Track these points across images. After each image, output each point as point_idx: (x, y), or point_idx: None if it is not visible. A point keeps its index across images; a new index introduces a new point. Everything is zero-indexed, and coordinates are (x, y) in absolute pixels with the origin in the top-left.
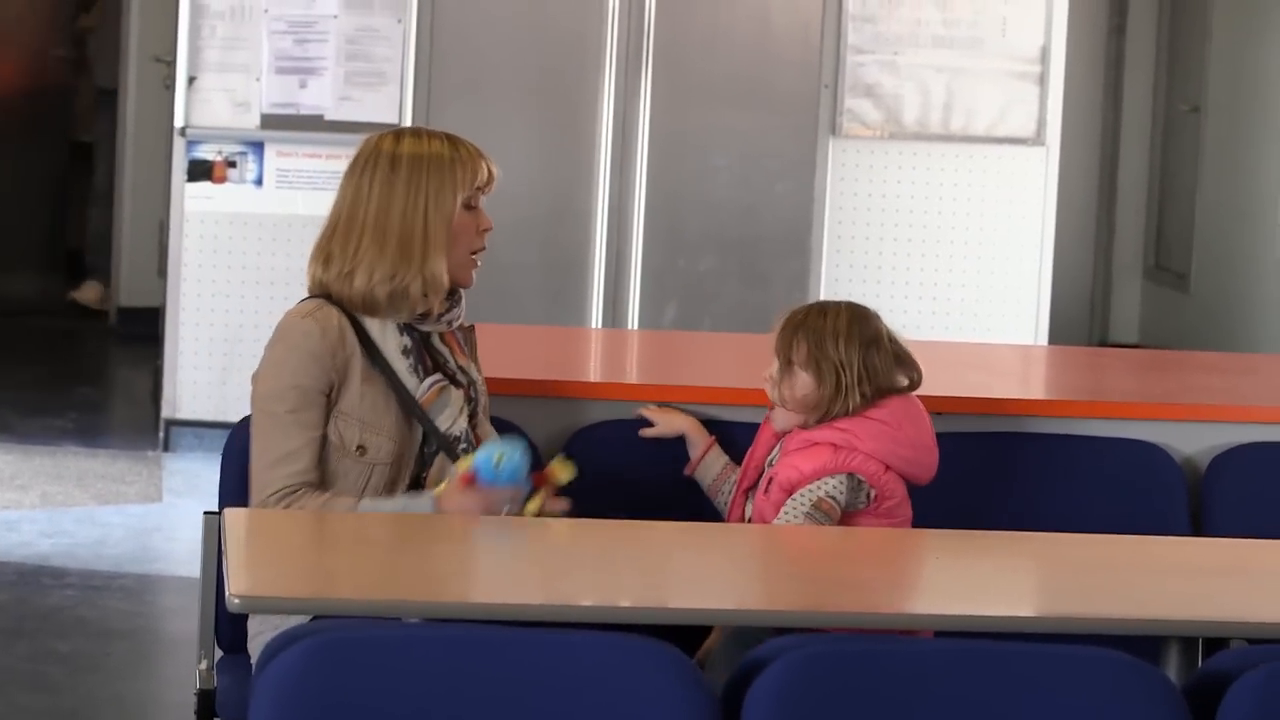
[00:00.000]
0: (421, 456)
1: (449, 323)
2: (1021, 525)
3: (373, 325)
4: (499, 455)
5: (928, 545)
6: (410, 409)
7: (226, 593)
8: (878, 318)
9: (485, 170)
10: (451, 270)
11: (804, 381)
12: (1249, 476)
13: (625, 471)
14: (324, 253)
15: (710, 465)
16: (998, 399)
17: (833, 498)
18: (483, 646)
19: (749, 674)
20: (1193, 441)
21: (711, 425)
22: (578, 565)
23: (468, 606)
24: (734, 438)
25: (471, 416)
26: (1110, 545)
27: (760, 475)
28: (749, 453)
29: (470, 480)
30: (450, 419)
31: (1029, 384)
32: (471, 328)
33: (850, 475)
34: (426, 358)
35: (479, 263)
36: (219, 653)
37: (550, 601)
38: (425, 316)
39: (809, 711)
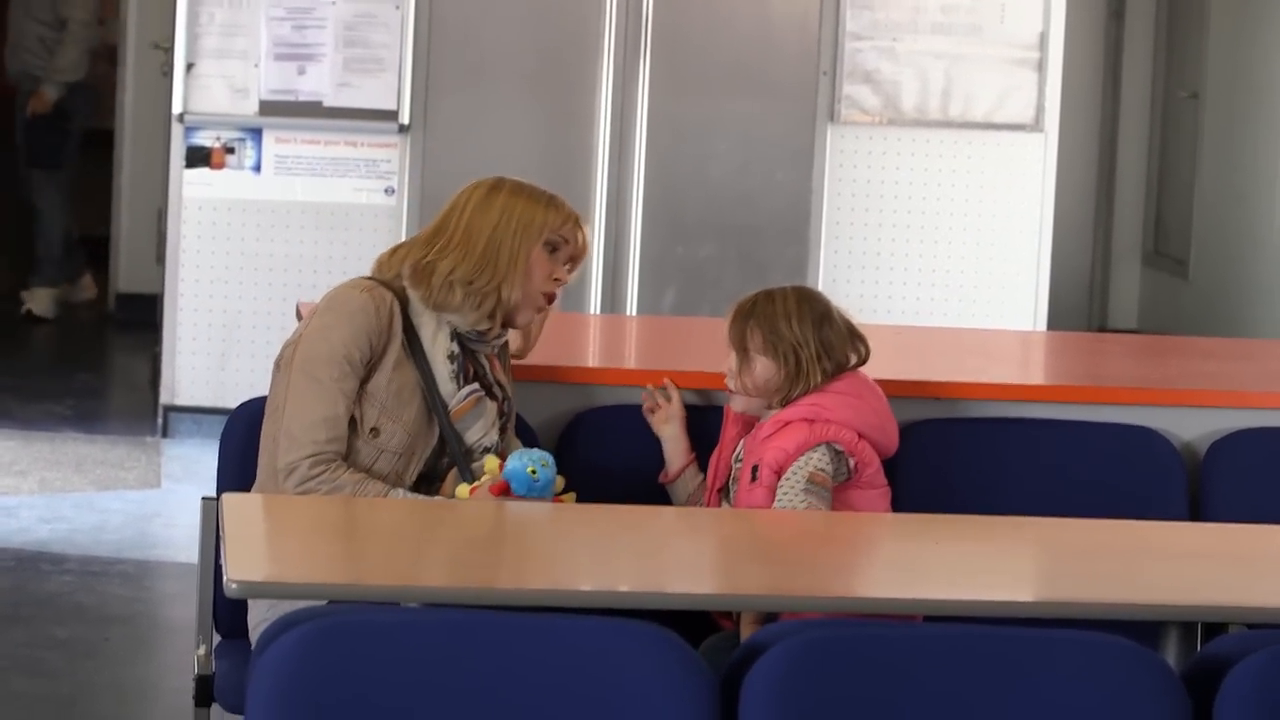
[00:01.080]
0: (434, 459)
1: (495, 347)
2: (1019, 510)
3: (426, 323)
4: (532, 468)
5: (925, 530)
6: (435, 410)
7: (224, 578)
8: (824, 296)
9: (575, 228)
10: (517, 301)
11: (764, 366)
12: (1248, 462)
13: (624, 457)
14: (407, 246)
15: (689, 479)
16: (997, 384)
17: (822, 469)
18: (481, 631)
19: (747, 659)
20: (1191, 427)
21: (711, 411)
22: (576, 550)
23: (466, 591)
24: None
25: (502, 430)
26: (1109, 530)
27: (729, 474)
28: (715, 455)
29: (503, 489)
30: (482, 430)
31: (1028, 370)
32: (506, 343)
33: (829, 446)
34: (469, 367)
35: (543, 312)
36: (217, 638)
37: (549, 586)
38: (483, 335)
39: (807, 696)
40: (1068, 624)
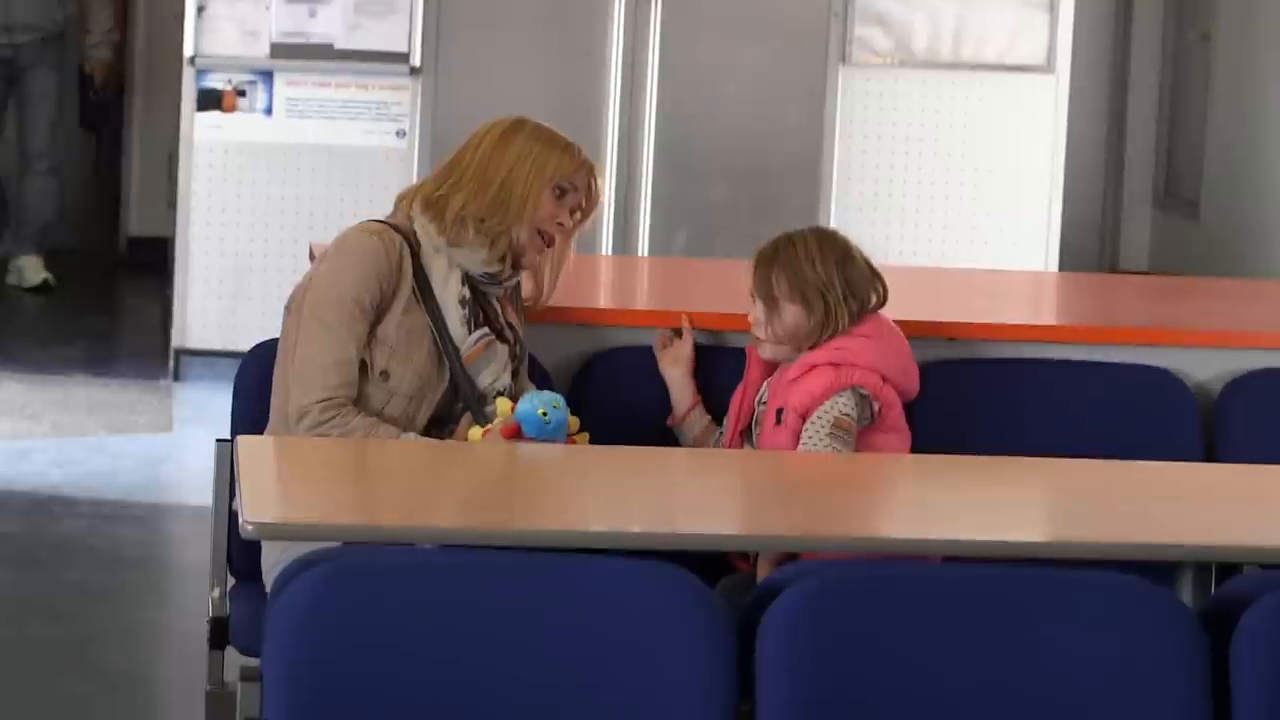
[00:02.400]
0: (446, 403)
1: (506, 288)
2: (1033, 451)
3: (437, 267)
4: (543, 410)
5: (939, 470)
6: (446, 353)
7: (240, 519)
8: (842, 234)
9: (587, 176)
10: (524, 242)
11: (792, 312)
12: (1262, 402)
13: (637, 398)
14: (434, 180)
15: (695, 421)
16: (1009, 325)
17: (847, 414)
18: (498, 572)
19: (764, 599)
20: (1205, 367)
21: (724, 352)
22: (590, 491)
23: (481, 533)
24: (743, 363)
25: (515, 373)
26: (1123, 471)
27: (753, 415)
28: (738, 397)
29: (515, 432)
30: (494, 374)
31: (1040, 310)
32: (518, 285)
33: (854, 390)
34: (480, 311)
35: (543, 254)
36: (231, 580)
37: (563, 527)
38: (494, 277)
39: (824, 636)
40: (1083, 564)
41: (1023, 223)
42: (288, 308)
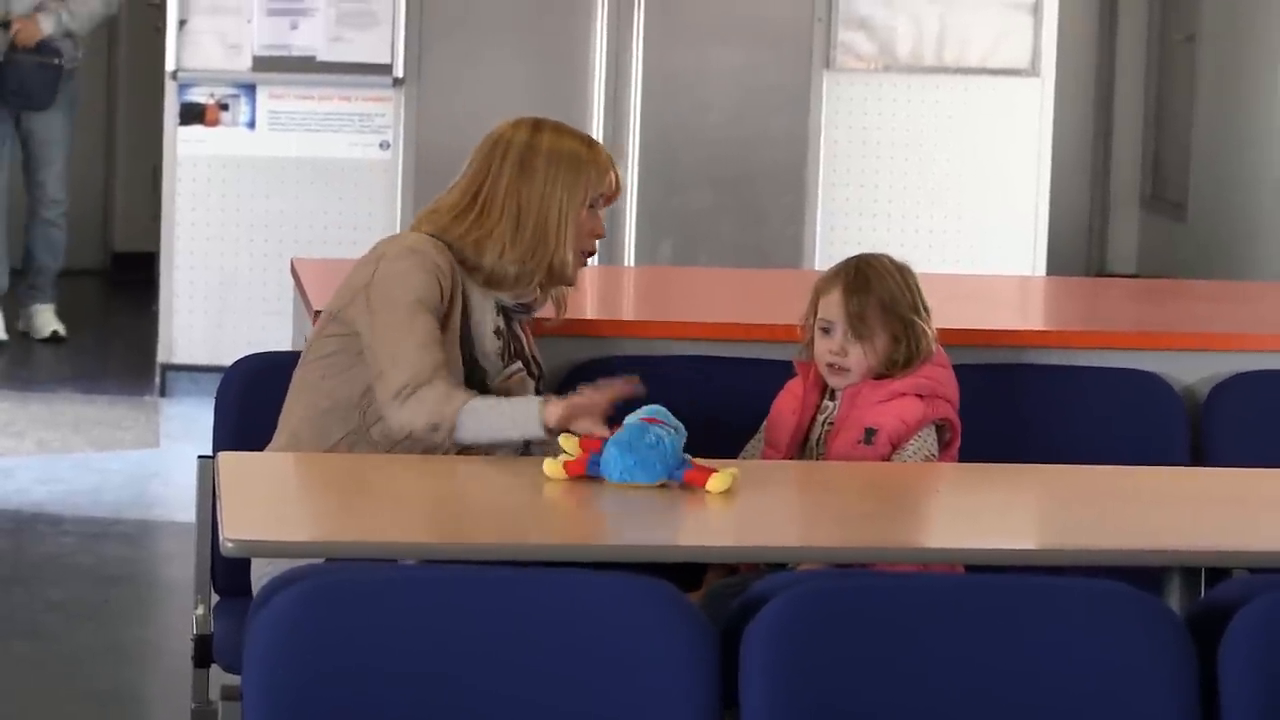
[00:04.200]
0: None
1: (535, 312)
2: (1020, 457)
3: (473, 296)
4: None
5: (927, 478)
6: (474, 382)
7: (220, 537)
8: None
9: (613, 179)
10: (570, 263)
11: (884, 341)
12: (1249, 405)
13: (623, 408)
14: (453, 214)
15: None
16: (996, 330)
17: (931, 454)
18: (480, 587)
19: (748, 610)
20: (1192, 371)
21: (708, 362)
22: (575, 504)
23: (464, 548)
24: (731, 373)
25: None
26: (1110, 476)
27: (808, 434)
28: (792, 416)
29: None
30: None
31: (1027, 315)
32: (534, 312)
33: (934, 425)
34: (511, 344)
35: (584, 264)
36: (215, 597)
37: (547, 541)
38: (528, 306)
39: (808, 647)
40: (1070, 571)
41: (1009, 227)
42: (332, 316)
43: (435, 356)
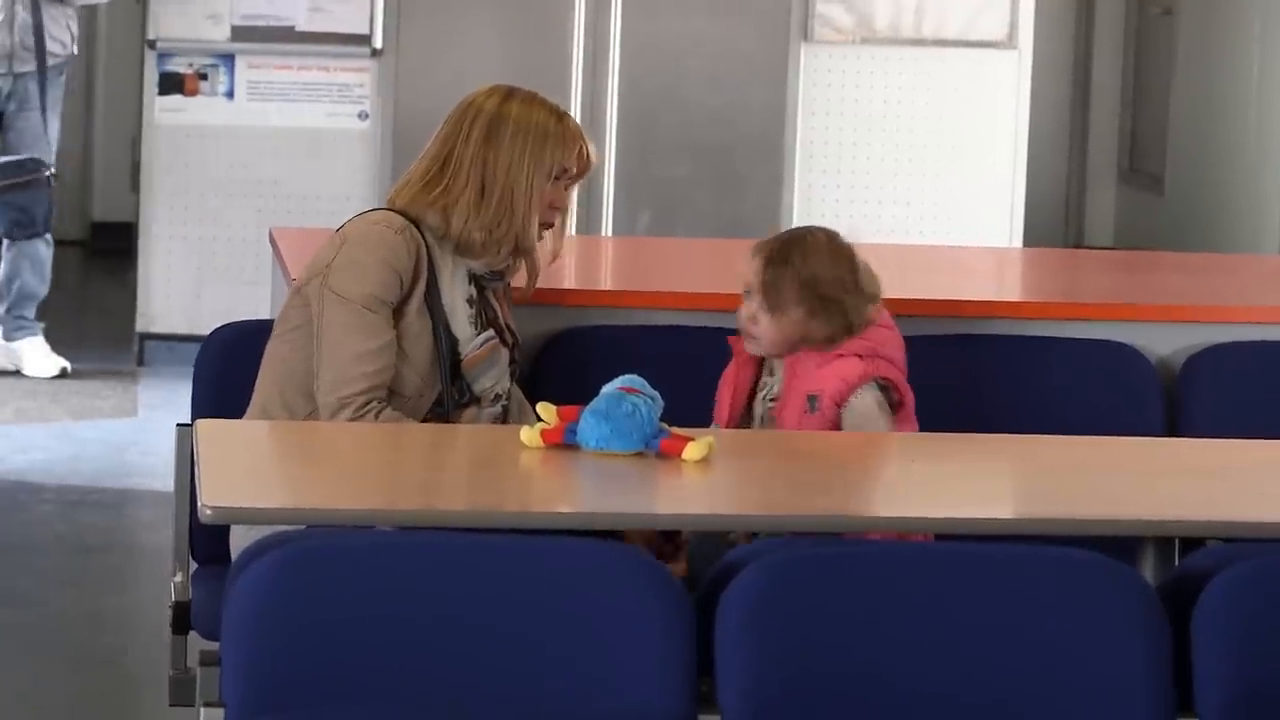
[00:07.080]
0: (441, 404)
1: (507, 282)
2: (995, 428)
3: (444, 265)
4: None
5: (899, 448)
6: (441, 355)
7: (199, 503)
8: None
9: (584, 152)
10: (533, 236)
11: (797, 316)
12: (1224, 376)
13: (600, 377)
14: (423, 180)
15: None
16: (971, 301)
17: (881, 407)
18: (456, 553)
19: (723, 578)
20: (1167, 342)
21: (686, 332)
22: (550, 472)
23: (440, 514)
24: (709, 343)
25: (512, 376)
26: (1085, 446)
27: (750, 410)
28: (726, 395)
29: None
30: (495, 379)
31: (1003, 286)
32: (509, 283)
33: (875, 382)
34: (484, 312)
35: (543, 236)
36: (194, 565)
37: (523, 509)
38: (499, 273)
39: (783, 615)
40: (1044, 540)
41: (986, 199)
42: (297, 290)
43: (367, 367)
